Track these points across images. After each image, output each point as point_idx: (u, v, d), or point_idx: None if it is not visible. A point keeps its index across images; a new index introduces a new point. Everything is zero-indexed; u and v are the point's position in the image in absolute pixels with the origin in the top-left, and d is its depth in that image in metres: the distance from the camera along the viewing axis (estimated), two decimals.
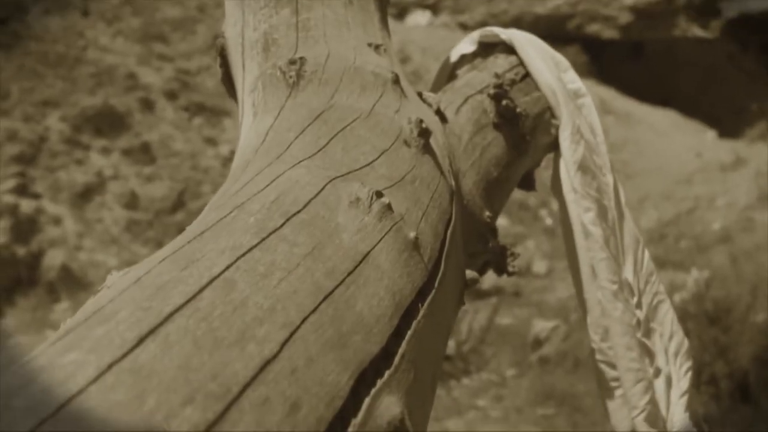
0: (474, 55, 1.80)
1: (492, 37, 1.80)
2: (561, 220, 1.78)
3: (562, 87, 1.76)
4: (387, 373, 0.75)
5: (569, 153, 1.72)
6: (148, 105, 10.60)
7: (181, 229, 0.90)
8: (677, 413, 1.76)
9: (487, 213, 1.44)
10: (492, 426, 6.78)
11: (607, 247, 1.71)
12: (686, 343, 1.82)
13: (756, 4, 13.78)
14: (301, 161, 1.01)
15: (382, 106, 1.21)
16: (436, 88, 1.74)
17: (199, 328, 0.63)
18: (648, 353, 1.74)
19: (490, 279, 9.18)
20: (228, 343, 0.62)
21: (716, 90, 13.41)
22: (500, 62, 1.74)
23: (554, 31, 14.35)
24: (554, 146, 1.75)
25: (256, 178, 0.97)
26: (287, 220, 0.85)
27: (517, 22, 14.35)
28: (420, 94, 1.45)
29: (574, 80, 1.81)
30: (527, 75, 1.75)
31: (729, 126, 13.13)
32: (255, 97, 1.25)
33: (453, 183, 1.26)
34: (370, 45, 1.36)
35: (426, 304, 0.92)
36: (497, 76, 1.59)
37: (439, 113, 1.42)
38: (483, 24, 14.48)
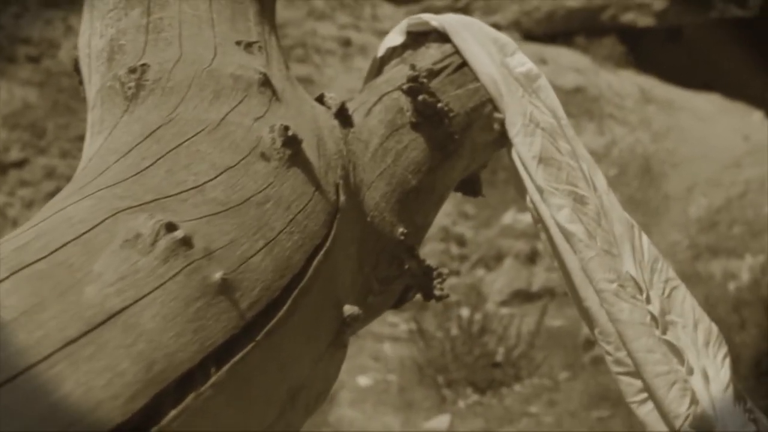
0: (404, 47, 1.58)
1: (422, 25, 1.58)
2: (535, 224, 1.55)
3: (506, 74, 1.53)
4: None
5: (525, 148, 1.49)
6: None
7: None
8: (726, 409, 1.52)
9: (401, 230, 1.23)
10: None
11: (594, 242, 1.48)
12: (715, 328, 1.57)
13: None
14: (100, 190, 0.81)
15: (239, 114, 1.01)
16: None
17: None
18: (674, 351, 1.50)
19: (539, 280, 8.96)
20: None
21: (760, 69, 13.02)
22: (432, 52, 1.52)
23: (589, 24, 14.07)
24: (501, 143, 1.53)
25: (35, 218, 0.77)
26: (13, 273, 0.64)
27: (550, 18, 14.08)
28: (321, 96, 1.25)
29: (523, 62, 1.59)
30: (464, 64, 1.52)
31: None
32: (94, 116, 1.06)
33: (341, 198, 1.06)
34: (238, 43, 1.15)
35: (228, 367, 0.72)
36: (413, 68, 1.37)
37: (342, 116, 1.21)
38: (516, 23, 14.21)
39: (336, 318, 0.97)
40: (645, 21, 14.08)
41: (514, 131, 1.51)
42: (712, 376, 1.54)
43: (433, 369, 7.08)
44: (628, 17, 14.13)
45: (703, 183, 10.80)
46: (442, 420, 6.77)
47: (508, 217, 9.45)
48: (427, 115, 1.35)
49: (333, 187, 1.05)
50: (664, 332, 1.53)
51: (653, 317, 1.52)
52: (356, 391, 7.11)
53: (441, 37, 1.56)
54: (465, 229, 9.58)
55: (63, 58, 10.92)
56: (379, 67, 1.58)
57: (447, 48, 1.53)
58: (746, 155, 11.08)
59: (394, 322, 8.02)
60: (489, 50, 1.55)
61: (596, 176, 1.59)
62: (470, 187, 1.57)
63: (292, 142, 0.99)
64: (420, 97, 1.34)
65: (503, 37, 1.62)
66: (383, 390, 7.21)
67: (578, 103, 12.45)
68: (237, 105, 1.03)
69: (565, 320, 8.09)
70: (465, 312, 7.71)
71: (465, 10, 13.98)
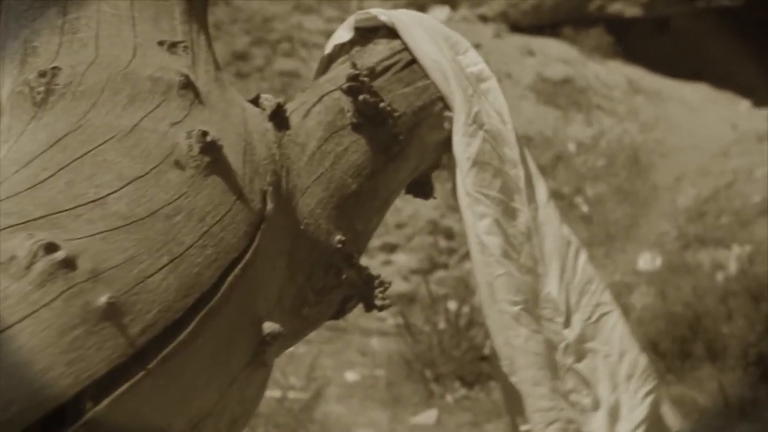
0: (352, 44, 1.51)
1: (371, 20, 1.52)
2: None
3: (458, 71, 1.47)
4: None
5: (461, 148, 1.43)
6: None
7: None
8: None
9: (338, 237, 1.17)
10: None
11: (510, 258, 1.41)
12: (643, 361, 1.51)
13: None
14: None
15: (154, 119, 0.95)
16: None
17: None
18: (583, 381, 1.44)
19: None
20: None
21: (748, 59, 12.99)
22: (380, 49, 1.45)
23: (576, 15, 14.02)
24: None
25: None
26: None
27: (537, 9, 14.04)
28: (257, 97, 1.19)
29: (475, 62, 1.52)
30: (413, 61, 1.46)
31: (764, 94, 12.69)
32: (3, 123, 1.00)
33: (268, 206, 1.00)
34: (161, 43, 1.09)
35: (109, 400, 0.65)
36: (354, 66, 1.31)
37: (277, 118, 1.15)
38: (503, 15, 14.15)
39: (254, 337, 0.91)
40: (632, 11, 14.04)
41: (455, 129, 1.45)
42: (624, 413, 1.48)
43: (421, 363, 7.03)
44: (615, 8, 14.09)
45: (691, 173, 10.77)
46: (430, 414, 6.73)
47: None
48: (369, 115, 1.28)
49: (259, 194, 0.99)
50: (579, 360, 1.47)
51: (567, 344, 1.46)
52: (343, 387, 7.07)
53: (390, 33, 1.49)
54: (453, 222, 9.51)
55: None
56: (326, 65, 1.51)
57: (396, 44, 1.47)
58: (734, 144, 11.05)
59: (382, 316, 7.97)
60: (440, 46, 1.48)
61: (538, 187, 1.53)
62: (421, 188, 1.50)
63: (210, 149, 0.93)
64: (361, 97, 1.27)
65: (455, 34, 1.55)
66: (370, 385, 7.16)
67: (566, 94, 12.40)
68: (153, 109, 0.97)
69: None
70: (452, 305, 7.66)
71: (451, 2, 13.95)
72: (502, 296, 1.40)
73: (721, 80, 13.02)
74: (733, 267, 8.17)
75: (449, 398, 6.88)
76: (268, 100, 1.17)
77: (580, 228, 10.13)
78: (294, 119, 1.22)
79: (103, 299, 0.71)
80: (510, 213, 1.44)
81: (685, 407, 6.56)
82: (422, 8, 15.03)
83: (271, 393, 6.33)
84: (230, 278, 0.86)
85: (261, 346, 0.92)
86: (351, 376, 7.17)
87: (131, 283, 0.75)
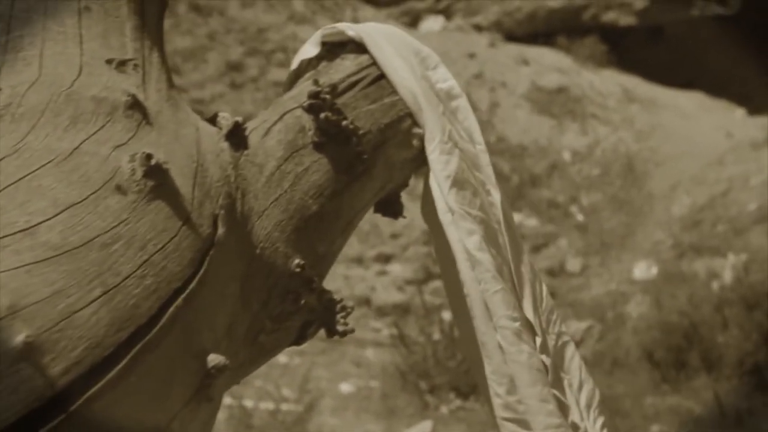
0: (319, 59, 1.47)
1: (338, 35, 1.48)
2: (436, 251, 1.45)
3: (427, 88, 1.43)
4: None
5: (439, 166, 1.39)
6: None
7: None
8: None
9: (297, 261, 1.13)
10: None
11: (501, 276, 1.38)
12: (598, 393, 1.49)
13: None
14: None
15: (96, 142, 0.91)
16: None
17: None
18: (562, 406, 1.41)
19: None
20: None
21: (742, 66, 12.98)
22: (347, 64, 1.41)
23: (570, 24, 14.05)
24: (422, 159, 1.42)
25: None
26: None
27: (532, 18, 14.07)
28: (215, 116, 1.15)
29: (445, 78, 1.48)
30: (381, 77, 1.42)
31: (759, 102, 12.69)
32: None
33: (219, 231, 0.96)
34: (110, 61, 1.05)
35: None
36: (315, 83, 1.27)
37: (234, 138, 1.11)
38: (498, 24, 14.14)
39: (197, 370, 0.87)
40: (626, 20, 14.07)
41: (431, 147, 1.41)
42: None
43: (416, 374, 7.01)
44: (609, 16, 14.11)
45: (686, 181, 10.76)
46: (425, 426, 6.70)
47: None
48: (331, 134, 1.24)
49: (209, 219, 0.95)
50: (555, 385, 1.45)
51: (546, 367, 1.44)
52: (338, 399, 7.04)
53: (359, 47, 1.45)
54: None
55: None
56: (292, 81, 1.47)
57: (364, 59, 1.43)
58: (729, 152, 11.04)
59: (377, 327, 7.96)
60: (409, 62, 1.44)
61: (509, 211, 1.50)
62: (390, 208, 1.46)
63: (155, 172, 0.89)
64: (322, 115, 1.23)
65: (425, 49, 1.51)
66: (365, 396, 7.14)
67: (561, 103, 12.41)
68: (96, 132, 0.93)
69: None
70: (447, 316, 7.63)
71: (446, 12, 13.96)
72: (502, 312, 1.37)
73: (716, 88, 13.03)
74: (728, 276, 8.15)
75: (444, 409, 6.85)
76: (226, 119, 1.13)
77: (576, 237, 10.11)
78: (253, 138, 1.18)
79: (20, 338, 0.67)
80: (491, 233, 1.41)
81: (680, 417, 6.53)
82: (416, 18, 15.04)
83: (264, 405, 6.30)
84: (171, 309, 0.82)
85: (206, 379, 0.88)
86: (345, 387, 7.14)
87: (55, 318, 0.71)
